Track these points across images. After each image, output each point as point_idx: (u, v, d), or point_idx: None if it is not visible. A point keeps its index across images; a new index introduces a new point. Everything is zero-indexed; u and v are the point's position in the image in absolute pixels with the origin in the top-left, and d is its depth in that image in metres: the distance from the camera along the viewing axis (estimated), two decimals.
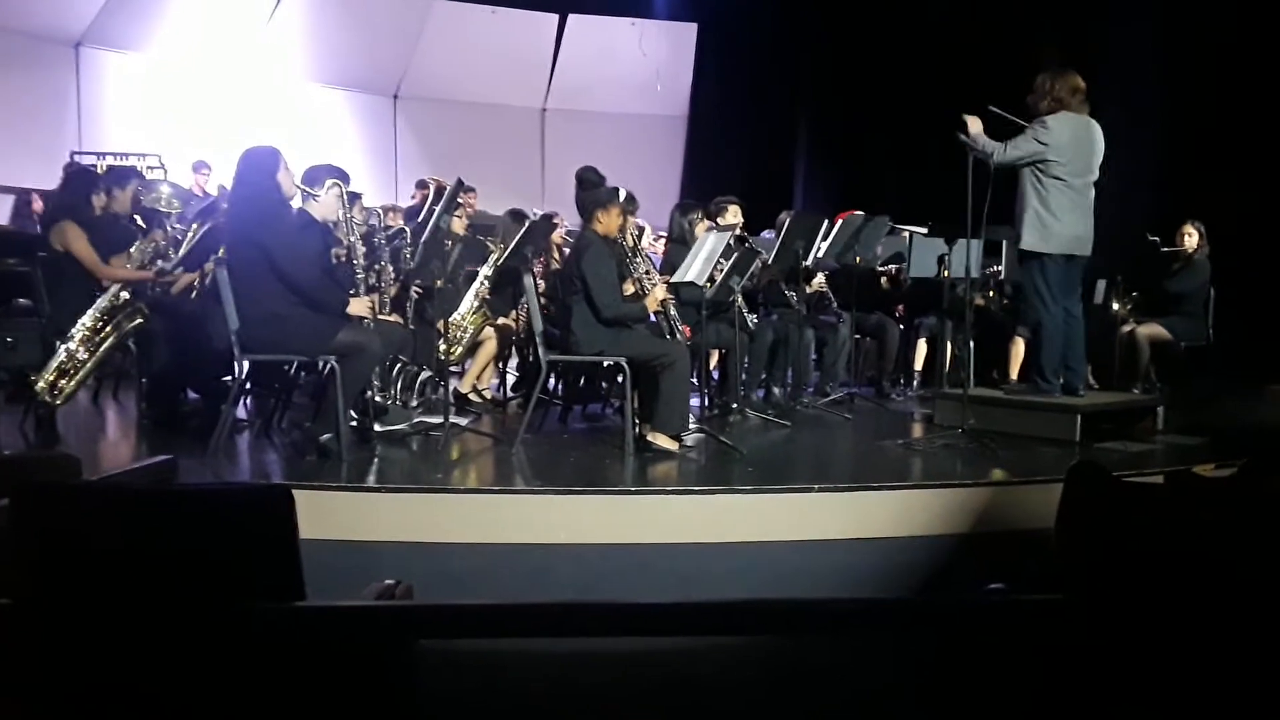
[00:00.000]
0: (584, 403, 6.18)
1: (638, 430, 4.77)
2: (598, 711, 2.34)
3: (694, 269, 5.29)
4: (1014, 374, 6.76)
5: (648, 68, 12.67)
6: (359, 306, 4.64)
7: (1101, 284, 7.27)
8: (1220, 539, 1.75)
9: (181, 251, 5.88)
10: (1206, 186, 7.51)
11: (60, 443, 4.88)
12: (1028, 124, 5.06)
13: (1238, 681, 1.68)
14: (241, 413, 5.48)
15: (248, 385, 5.20)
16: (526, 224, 5.93)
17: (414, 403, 5.39)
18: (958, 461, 4.62)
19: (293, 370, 5.18)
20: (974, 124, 5.08)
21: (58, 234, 5.24)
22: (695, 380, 5.70)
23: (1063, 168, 5.02)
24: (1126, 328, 6.71)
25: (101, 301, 5.06)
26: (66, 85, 10.56)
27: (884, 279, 7.56)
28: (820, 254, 6.33)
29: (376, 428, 4.86)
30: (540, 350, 4.97)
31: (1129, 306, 7.07)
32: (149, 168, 9.23)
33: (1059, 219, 5.03)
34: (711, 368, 6.56)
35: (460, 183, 5.26)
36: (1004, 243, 6.62)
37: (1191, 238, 6.81)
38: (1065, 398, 5.18)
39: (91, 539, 1.73)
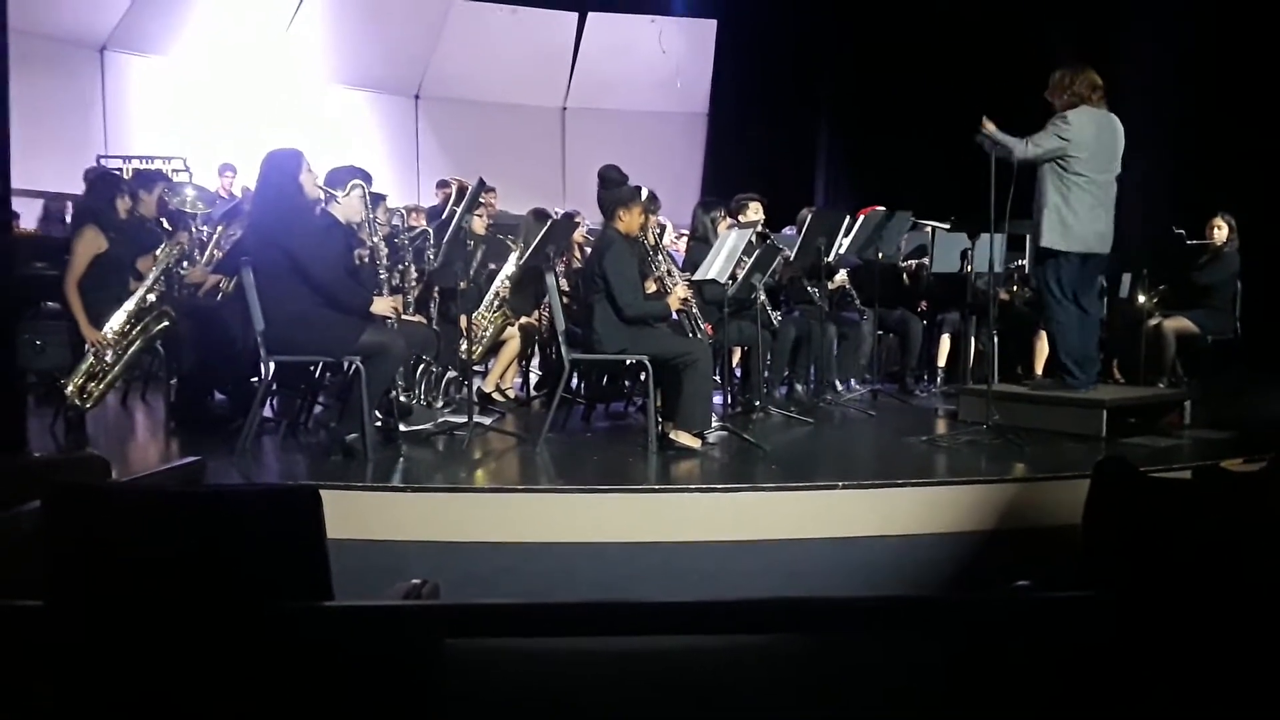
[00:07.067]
0: (607, 401, 6.19)
1: (660, 428, 4.77)
2: (623, 710, 2.34)
3: (716, 266, 5.29)
4: (1039, 369, 6.72)
5: (668, 65, 12.66)
6: (383, 307, 4.67)
7: (1127, 278, 7.21)
8: (1249, 534, 1.74)
9: (207, 254, 5.94)
10: (1231, 179, 7.43)
11: (90, 445, 4.93)
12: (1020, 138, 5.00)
13: (1268, 677, 1.66)
14: (268, 413, 5.52)
15: (274, 386, 5.24)
16: (548, 223, 5.94)
17: (438, 402, 5.42)
18: (982, 457, 4.59)
19: (318, 371, 5.21)
20: (988, 123, 5.04)
21: (76, 237, 5.30)
22: (718, 378, 5.70)
23: (1084, 163, 4.98)
24: (1153, 321, 6.65)
25: (129, 304, 5.11)
26: (92, 89, 10.65)
27: (905, 275, 7.53)
28: (842, 250, 6.31)
29: (401, 427, 4.88)
30: (563, 349, 4.98)
31: (1155, 300, 7.00)
32: (174, 171, 9.31)
33: (1080, 217, 5.00)
34: (734, 365, 6.55)
35: (481, 182, 5.27)
36: (1028, 237, 6.58)
37: (1222, 230, 6.73)
38: (1090, 392, 5.15)
39: (121, 540, 1.75)
